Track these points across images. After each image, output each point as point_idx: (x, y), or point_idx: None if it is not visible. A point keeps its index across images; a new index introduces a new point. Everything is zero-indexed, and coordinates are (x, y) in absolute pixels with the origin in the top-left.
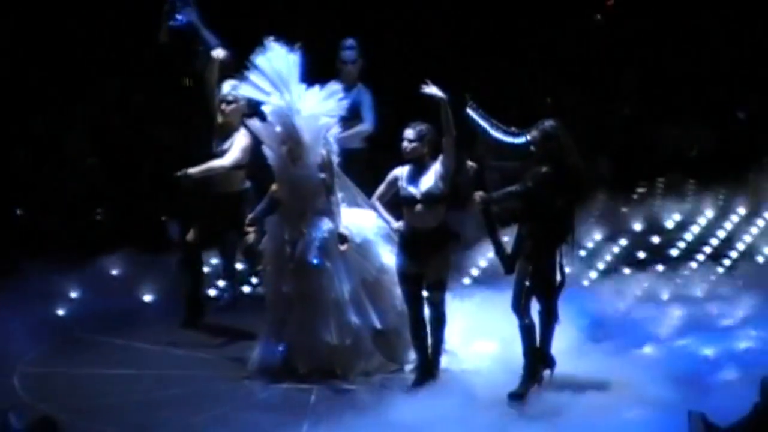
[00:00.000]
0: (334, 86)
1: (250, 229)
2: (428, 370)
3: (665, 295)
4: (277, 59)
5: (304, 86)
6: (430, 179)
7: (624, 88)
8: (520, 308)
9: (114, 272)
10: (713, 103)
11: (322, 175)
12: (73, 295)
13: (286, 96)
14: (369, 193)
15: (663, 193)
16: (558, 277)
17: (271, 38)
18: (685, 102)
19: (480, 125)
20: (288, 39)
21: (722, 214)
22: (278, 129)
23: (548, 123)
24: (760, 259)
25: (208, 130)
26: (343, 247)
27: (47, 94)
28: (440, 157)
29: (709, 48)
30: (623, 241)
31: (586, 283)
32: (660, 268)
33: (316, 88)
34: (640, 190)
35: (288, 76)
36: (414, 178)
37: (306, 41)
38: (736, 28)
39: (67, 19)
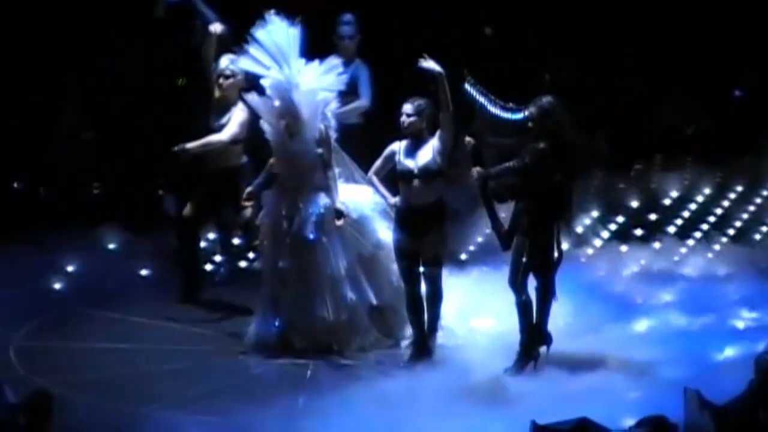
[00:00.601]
0: (334, 61)
1: (247, 203)
2: (424, 345)
3: (662, 273)
4: (278, 33)
5: (303, 61)
6: (427, 154)
7: (623, 65)
8: (517, 284)
9: (111, 246)
10: (711, 81)
11: (320, 150)
12: (70, 269)
13: (286, 70)
14: (366, 169)
15: (660, 170)
16: (555, 254)
17: (272, 12)
18: (683, 80)
19: (478, 101)
20: (288, 13)
21: (719, 193)
22: (276, 103)
23: (546, 99)
24: (757, 237)
25: (206, 105)
26: (339, 223)
27: (43, 68)
28: (438, 132)
29: (708, 26)
30: (620, 218)
31: (583, 259)
32: (657, 245)
33: (316, 62)
34: (638, 166)
35: (288, 50)
36: (411, 153)
37: (305, 16)
38: (736, 6)
39: None
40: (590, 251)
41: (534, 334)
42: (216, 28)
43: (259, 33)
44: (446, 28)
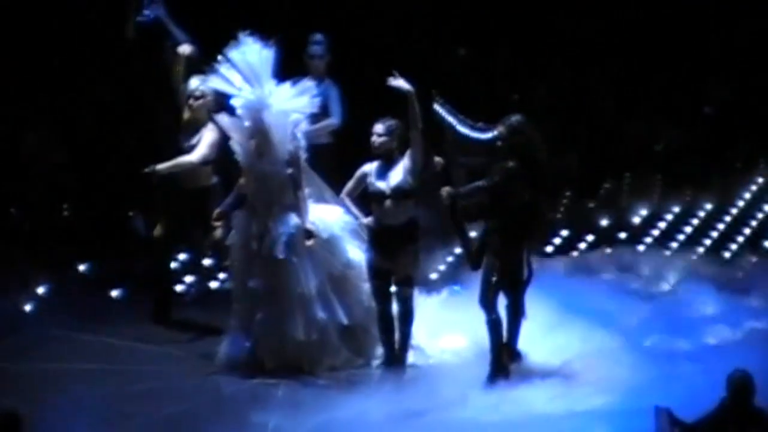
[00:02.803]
0: (307, 83)
1: (217, 223)
2: (395, 365)
3: (633, 290)
4: (251, 53)
5: (275, 82)
6: (398, 174)
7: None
8: (488, 303)
9: (81, 267)
10: (681, 99)
11: (290, 170)
12: (40, 290)
13: (258, 91)
14: (337, 188)
15: (630, 189)
16: (525, 273)
17: (246, 33)
18: (652, 98)
19: (447, 121)
20: (262, 34)
21: (689, 210)
22: (247, 124)
23: (515, 118)
24: (727, 255)
25: (176, 125)
26: (309, 243)
27: (12, 89)
28: (408, 151)
29: (678, 43)
30: (590, 237)
31: (553, 277)
32: (627, 262)
33: (288, 84)
34: (607, 185)
35: (260, 70)
36: (383, 173)
37: (276, 36)
38: (704, 24)
39: (32, 13)
40: (561, 268)
41: (504, 352)
42: (185, 49)
43: (233, 53)
44: (416, 48)
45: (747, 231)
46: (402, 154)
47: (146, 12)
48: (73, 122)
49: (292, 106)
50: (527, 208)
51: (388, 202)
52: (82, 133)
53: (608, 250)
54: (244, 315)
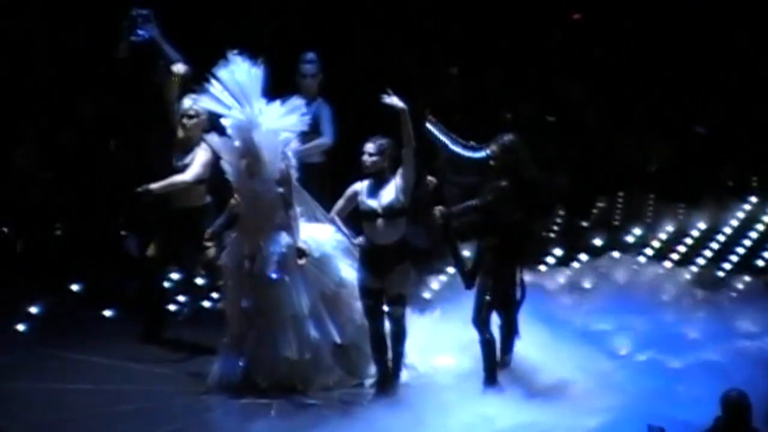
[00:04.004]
0: (297, 101)
1: (209, 243)
2: (388, 384)
3: (626, 307)
4: (240, 73)
5: (264, 101)
6: (390, 193)
7: (583, 103)
8: (481, 322)
9: (73, 287)
10: (673, 119)
11: (281, 190)
12: (32, 309)
13: (247, 110)
14: (328, 207)
15: (622, 208)
16: (518, 292)
17: (235, 52)
18: (644, 117)
19: (439, 140)
20: (251, 53)
21: (682, 229)
22: (237, 143)
23: (507, 137)
24: (721, 274)
25: (168, 144)
26: (301, 262)
27: (1, 108)
28: (400, 170)
29: (670, 62)
30: (583, 256)
31: (546, 295)
32: (621, 281)
33: (277, 103)
34: (600, 204)
35: (250, 90)
36: (374, 192)
37: (267, 54)
38: (696, 42)
39: (24, 31)
40: (554, 287)
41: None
42: (179, 68)
43: (222, 72)
44: (408, 67)
45: (740, 250)
46: (393, 172)
47: (139, 31)
48: (64, 141)
49: (281, 125)
50: (520, 227)
51: (379, 221)
52: (74, 152)
53: (602, 269)
54: (237, 334)
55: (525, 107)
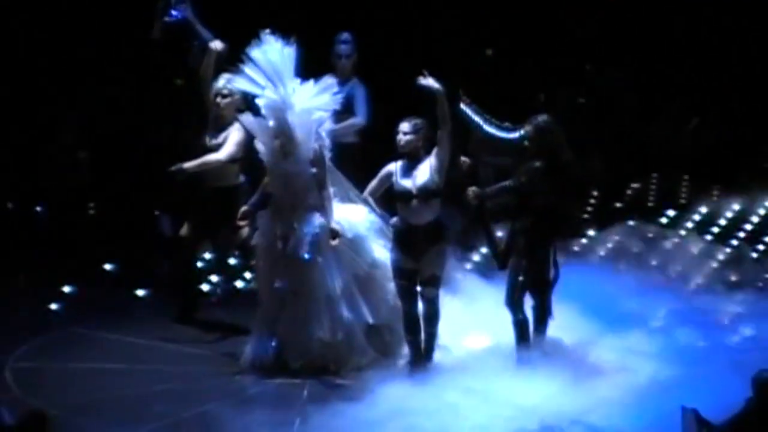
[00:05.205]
0: (329, 80)
1: (242, 223)
2: (421, 365)
3: (660, 288)
4: (273, 52)
5: (298, 80)
6: (425, 173)
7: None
8: (514, 304)
9: (106, 266)
10: (709, 100)
11: (314, 170)
12: (66, 289)
13: (281, 90)
14: (361, 188)
15: (657, 189)
16: (551, 273)
17: (267, 31)
18: (679, 98)
19: (473, 120)
20: (284, 32)
21: (717, 210)
22: (271, 123)
23: (542, 118)
24: (754, 255)
25: (201, 124)
26: (334, 242)
27: (38, 88)
28: (435, 150)
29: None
30: (616, 236)
31: (580, 276)
32: (654, 261)
33: (311, 82)
34: (634, 185)
35: (283, 69)
36: (408, 172)
37: (301, 35)
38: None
39: (60, 14)
40: (588, 268)
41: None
42: (216, 45)
43: (255, 52)
44: (443, 48)
45: None
46: (427, 153)
47: (174, 12)
48: (99, 121)
49: (314, 104)
50: (553, 208)
51: (414, 202)
52: (109, 132)
53: (635, 249)
54: (270, 315)
55: (560, 90)
